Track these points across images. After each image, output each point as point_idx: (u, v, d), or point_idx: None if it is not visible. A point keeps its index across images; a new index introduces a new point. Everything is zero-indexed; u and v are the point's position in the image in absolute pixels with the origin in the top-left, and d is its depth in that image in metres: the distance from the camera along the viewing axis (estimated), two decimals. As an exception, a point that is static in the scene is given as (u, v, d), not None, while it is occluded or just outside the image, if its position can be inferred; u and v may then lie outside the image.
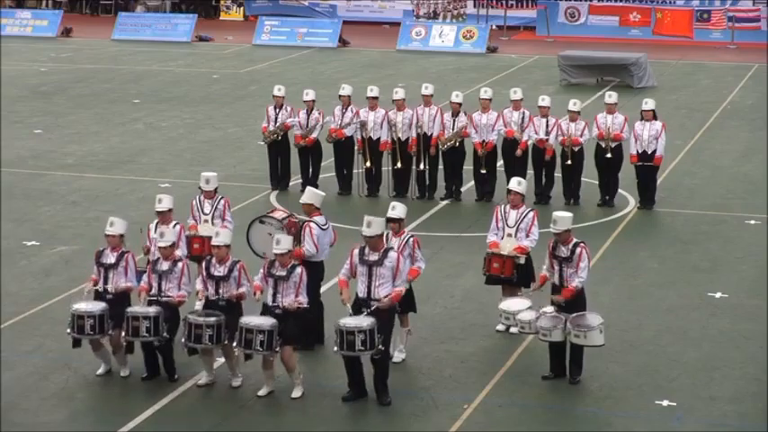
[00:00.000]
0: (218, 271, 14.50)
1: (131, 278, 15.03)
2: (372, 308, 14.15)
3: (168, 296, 14.66)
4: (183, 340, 14.55)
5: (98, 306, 14.72)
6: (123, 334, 14.49)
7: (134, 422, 13.76)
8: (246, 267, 14.67)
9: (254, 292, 14.45)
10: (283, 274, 14.30)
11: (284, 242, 14.45)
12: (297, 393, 14.45)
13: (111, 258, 14.99)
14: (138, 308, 14.55)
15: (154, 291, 14.73)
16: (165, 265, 14.75)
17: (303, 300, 14.36)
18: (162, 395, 14.41)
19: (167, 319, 14.54)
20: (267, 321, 14.12)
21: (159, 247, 14.85)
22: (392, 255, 14.31)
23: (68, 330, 14.73)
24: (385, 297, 14.21)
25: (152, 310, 14.46)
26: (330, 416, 14.02)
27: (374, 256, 14.28)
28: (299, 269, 14.36)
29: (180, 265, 14.75)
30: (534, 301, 15.34)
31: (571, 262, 14.72)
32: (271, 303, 14.31)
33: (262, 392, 14.51)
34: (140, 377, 14.82)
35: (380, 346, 13.98)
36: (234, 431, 13.73)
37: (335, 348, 14.09)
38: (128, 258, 15.00)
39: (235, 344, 14.24)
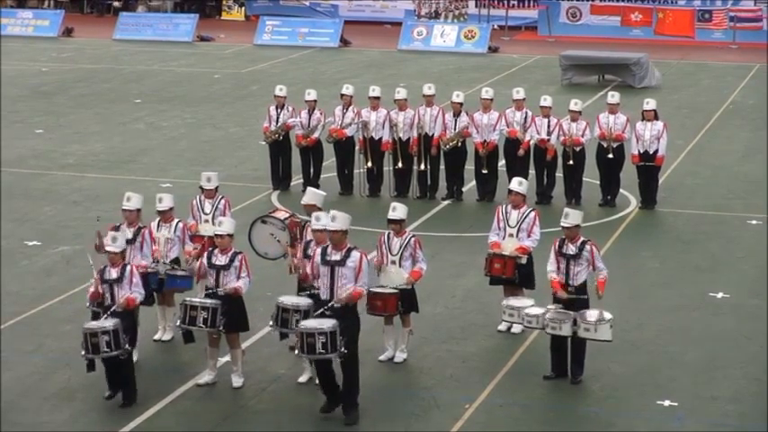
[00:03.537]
0: (220, 260, 14.39)
1: (146, 253, 15.16)
2: (328, 306, 13.68)
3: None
4: (177, 323, 14.53)
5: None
6: (83, 353, 13.85)
7: (134, 422, 13.75)
8: (248, 260, 14.60)
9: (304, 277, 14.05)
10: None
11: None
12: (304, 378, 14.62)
13: (127, 234, 15.08)
14: (93, 323, 13.94)
15: (107, 301, 14.07)
16: (113, 273, 14.13)
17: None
18: (162, 395, 14.39)
19: (125, 329, 13.92)
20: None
21: (108, 253, 14.21)
22: (355, 254, 13.81)
23: (87, 304, 14.67)
24: (343, 296, 13.74)
25: (109, 323, 13.81)
26: (330, 416, 13.98)
27: (336, 256, 13.79)
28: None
29: (129, 268, 14.19)
30: (537, 301, 15.34)
31: (579, 259, 14.72)
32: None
33: (302, 379, 14.67)
34: (103, 396, 14.24)
35: (343, 349, 13.57)
36: (234, 431, 13.72)
37: (297, 351, 13.75)
38: (144, 234, 15.15)
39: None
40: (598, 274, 14.83)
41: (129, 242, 15.00)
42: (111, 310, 14.01)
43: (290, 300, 14.28)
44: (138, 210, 15.31)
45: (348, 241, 14.03)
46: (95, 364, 13.97)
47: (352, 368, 13.86)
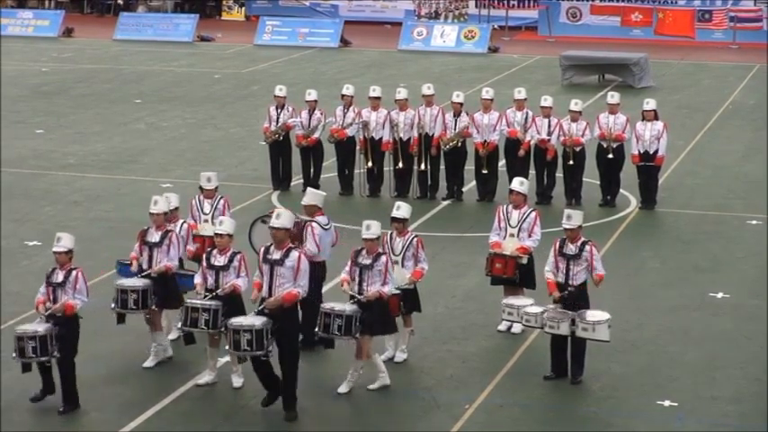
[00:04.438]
0: (219, 261, 14.36)
1: (173, 256, 15.19)
2: (261, 307, 13.72)
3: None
4: (179, 325, 14.56)
5: (142, 282, 14.88)
6: (14, 354, 13.85)
7: (134, 422, 13.76)
8: (247, 260, 14.58)
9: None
10: (368, 262, 14.23)
11: (374, 228, 14.39)
12: (376, 385, 14.53)
13: (155, 237, 15.18)
14: (27, 326, 13.85)
15: (49, 303, 13.96)
16: (59, 276, 14.01)
17: (387, 289, 14.25)
18: (162, 395, 14.40)
19: (62, 336, 13.77)
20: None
21: (55, 253, 14.08)
22: (294, 254, 13.81)
23: (112, 306, 14.86)
24: (271, 299, 13.70)
25: (42, 328, 13.68)
26: (330, 416, 14.00)
27: (276, 255, 13.81)
28: (383, 258, 14.28)
29: (74, 273, 14.04)
30: (538, 300, 15.34)
31: (579, 259, 14.72)
32: (356, 293, 14.23)
33: (347, 377, 14.56)
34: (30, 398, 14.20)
35: (269, 348, 13.55)
36: (234, 431, 13.72)
37: (226, 347, 13.85)
38: (171, 237, 15.18)
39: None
40: (591, 273, 14.80)
41: (156, 245, 15.14)
42: (48, 312, 13.89)
43: (337, 306, 14.21)
44: (165, 213, 15.41)
45: (289, 242, 13.97)
46: (31, 366, 13.92)
47: (290, 365, 13.83)
